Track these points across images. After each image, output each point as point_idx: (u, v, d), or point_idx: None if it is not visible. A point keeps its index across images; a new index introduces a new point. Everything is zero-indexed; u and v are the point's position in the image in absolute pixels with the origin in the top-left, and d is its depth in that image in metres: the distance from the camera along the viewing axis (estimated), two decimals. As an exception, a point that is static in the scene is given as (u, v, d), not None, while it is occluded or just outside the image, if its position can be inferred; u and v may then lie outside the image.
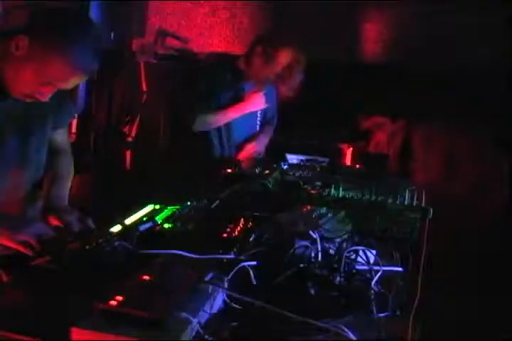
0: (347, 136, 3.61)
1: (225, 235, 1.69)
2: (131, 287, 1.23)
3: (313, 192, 2.15)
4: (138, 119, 4.00)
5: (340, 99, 3.17)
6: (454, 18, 3.56)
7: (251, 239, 1.67)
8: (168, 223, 1.80)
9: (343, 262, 1.58)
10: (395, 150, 3.85)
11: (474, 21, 3.51)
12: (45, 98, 1.75)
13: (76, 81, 1.73)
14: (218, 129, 3.11)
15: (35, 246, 1.57)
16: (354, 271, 1.60)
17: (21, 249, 1.58)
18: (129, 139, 4.00)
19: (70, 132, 3.65)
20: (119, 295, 1.19)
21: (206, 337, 1.18)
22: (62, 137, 2.08)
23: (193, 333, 1.18)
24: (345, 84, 3.13)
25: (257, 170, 2.42)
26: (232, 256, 1.51)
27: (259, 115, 3.30)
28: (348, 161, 3.46)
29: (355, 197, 2.05)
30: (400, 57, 3.68)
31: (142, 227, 1.72)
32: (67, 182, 2.03)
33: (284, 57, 3.01)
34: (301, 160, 2.91)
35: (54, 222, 1.79)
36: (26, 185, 1.95)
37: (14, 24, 1.68)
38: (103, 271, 1.42)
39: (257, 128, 3.32)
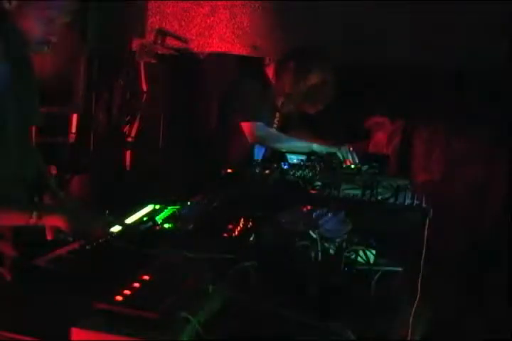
0: (347, 135, 3.61)
1: (225, 235, 1.69)
2: (131, 287, 1.23)
3: (313, 192, 2.16)
4: (138, 119, 4.00)
5: (339, 99, 3.17)
6: (455, 17, 3.56)
7: (251, 239, 1.67)
8: (168, 223, 1.80)
9: (342, 262, 1.58)
10: (394, 150, 3.84)
11: (475, 20, 3.51)
12: None
13: None
14: None
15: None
16: (354, 271, 1.60)
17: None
18: (129, 139, 3.99)
19: (70, 132, 3.66)
20: (119, 295, 1.19)
21: (206, 337, 1.18)
22: None
23: (193, 333, 1.18)
24: (345, 84, 3.13)
25: (257, 170, 2.42)
26: (232, 256, 1.51)
27: (276, 122, 3.26)
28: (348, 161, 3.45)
29: (355, 197, 2.05)
30: (400, 56, 3.68)
31: (142, 227, 1.72)
32: None
33: (315, 78, 2.93)
34: (301, 160, 2.91)
35: None
36: None
37: None
38: (103, 271, 1.43)
39: None
